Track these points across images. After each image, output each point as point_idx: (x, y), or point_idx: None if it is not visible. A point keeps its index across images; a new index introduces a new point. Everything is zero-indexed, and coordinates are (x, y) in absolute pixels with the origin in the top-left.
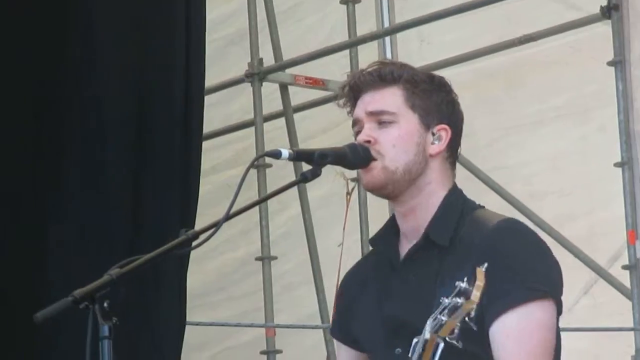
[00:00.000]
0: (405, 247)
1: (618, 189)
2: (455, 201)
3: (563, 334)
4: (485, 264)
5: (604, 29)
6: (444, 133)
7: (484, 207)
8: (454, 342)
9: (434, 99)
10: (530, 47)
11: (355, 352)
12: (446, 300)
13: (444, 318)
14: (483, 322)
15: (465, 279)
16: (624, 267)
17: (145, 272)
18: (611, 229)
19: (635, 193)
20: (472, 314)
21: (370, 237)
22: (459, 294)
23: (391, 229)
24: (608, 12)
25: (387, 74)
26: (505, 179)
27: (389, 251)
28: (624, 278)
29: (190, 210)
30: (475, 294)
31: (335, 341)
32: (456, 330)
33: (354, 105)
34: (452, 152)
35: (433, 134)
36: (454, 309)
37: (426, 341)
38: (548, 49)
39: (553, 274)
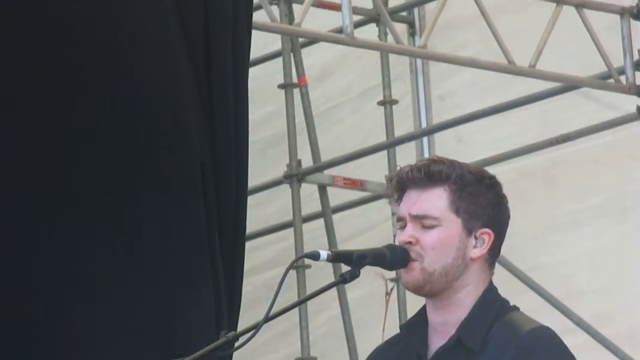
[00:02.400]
0: (433, 340)
1: None
2: (491, 302)
3: None
4: None
5: None
6: (486, 237)
7: (518, 308)
8: None
9: (480, 202)
10: (567, 147)
11: None
12: None
13: None
14: None
15: None
16: None
17: None
18: None
19: None
20: None
21: (402, 324)
22: None
23: (422, 318)
24: None
25: (435, 174)
26: (544, 278)
27: (419, 344)
28: None
29: (234, 313)
30: None
31: None
32: None
33: (400, 198)
34: (494, 254)
35: (476, 238)
36: None
37: None
38: (585, 148)
39: None
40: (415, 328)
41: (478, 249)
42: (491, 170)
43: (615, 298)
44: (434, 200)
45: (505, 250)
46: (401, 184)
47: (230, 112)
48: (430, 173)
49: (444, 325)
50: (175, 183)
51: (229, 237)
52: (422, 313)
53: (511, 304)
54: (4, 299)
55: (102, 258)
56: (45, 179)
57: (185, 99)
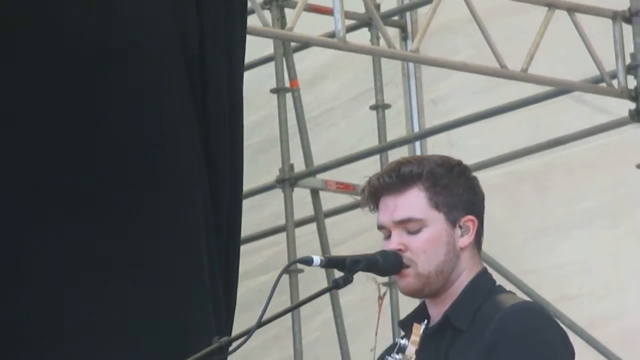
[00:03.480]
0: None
1: None
2: (482, 285)
3: None
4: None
5: (634, 132)
6: (470, 224)
7: (513, 293)
8: None
9: (456, 192)
10: (559, 151)
11: None
12: (393, 356)
13: None
14: None
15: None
16: None
17: None
18: None
19: None
20: None
21: (399, 320)
22: (397, 351)
23: (421, 312)
24: (637, 115)
25: (406, 175)
26: (537, 282)
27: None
28: None
29: (229, 317)
30: (410, 349)
31: None
32: None
33: (376, 207)
34: (479, 237)
35: (460, 227)
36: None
37: None
38: (577, 153)
39: (564, 356)
40: (412, 322)
41: (466, 238)
42: (483, 174)
43: (608, 302)
44: (413, 202)
45: (497, 254)
46: (374, 192)
47: (225, 117)
48: (401, 175)
49: (440, 315)
50: (172, 188)
51: (224, 242)
52: (420, 309)
53: None
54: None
55: (101, 260)
56: (45, 178)
57: (180, 105)
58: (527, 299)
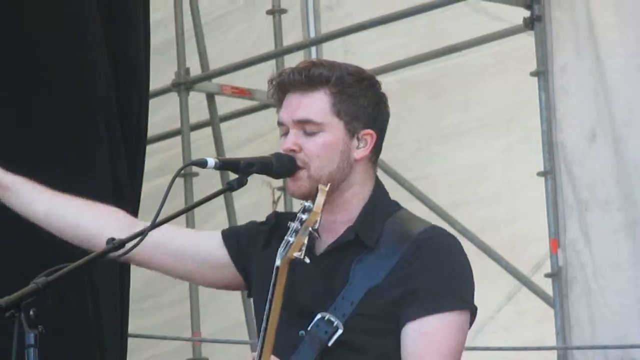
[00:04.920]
0: (323, 239)
1: (541, 198)
2: (382, 201)
3: (489, 338)
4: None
5: (528, 40)
6: (369, 138)
7: (401, 206)
8: (301, 257)
9: (361, 103)
10: (454, 58)
11: (219, 255)
12: (292, 224)
13: (291, 239)
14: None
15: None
16: (547, 275)
17: (82, 280)
18: (534, 237)
19: (557, 202)
20: (317, 225)
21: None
22: (302, 212)
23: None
24: (531, 23)
25: (315, 77)
26: (429, 188)
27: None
28: (547, 286)
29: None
30: (318, 206)
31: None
32: (303, 247)
33: (280, 101)
34: (376, 153)
35: (358, 139)
36: (299, 225)
37: (277, 268)
38: (472, 60)
39: (472, 287)
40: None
41: (361, 150)
42: (379, 80)
43: (499, 208)
44: (316, 104)
45: (391, 160)
46: (282, 86)
47: (138, 20)
48: (310, 76)
49: (334, 223)
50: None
51: (133, 146)
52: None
53: None
54: None
55: None
56: None
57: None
58: (419, 205)
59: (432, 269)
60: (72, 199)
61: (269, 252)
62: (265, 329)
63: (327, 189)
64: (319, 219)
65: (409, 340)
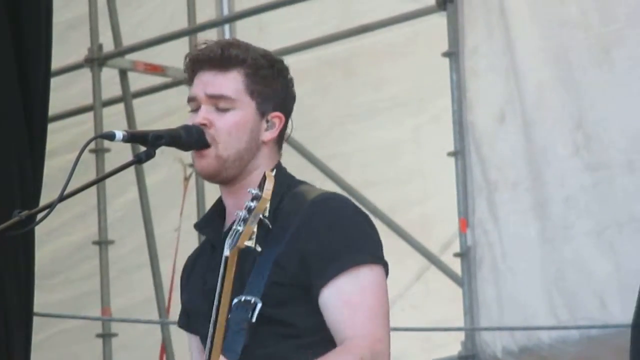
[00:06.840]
0: (228, 224)
1: (451, 178)
2: (281, 180)
3: (398, 317)
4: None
5: (440, 20)
6: (277, 120)
7: (306, 182)
8: (253, 246)
9: (273, 86)
10: (367, 37)
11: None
12: (240, 212)
13: (240, 228)
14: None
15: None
16: (456, 255)
17: None
18: (444, 217)
19: (467, 182)
20: (266, 212)
21: (195, 223)
22: (251, 200)
23: (217, 209)
24: (444, 4)
25: (231, 57)
26: (342, 167)
27: (213, 233)
28: (456, 265)
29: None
30: (267, 192)
31: (185, 333)
32: (254, 236)
33: (193, 77)
34: (282, 136)
35: (267, 121)
36: (247, 214)
37: (226, 258)
38: (385, 39)
39: (376, 243)
40: (209, 221)
41: (269, 132)
42: (292, 59)
43: (410, 188)
44: (230, 82)
45: (303, 138)
46: (196, 63)
47: None
48: (226, 56)
49: (240, 207)
50: None
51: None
52: (217, 204)
53: None
54: None
55: None
56: None
57: None
58: (331, 184)
59: (328, 229)
60: None
61: (195, 277)
62: (215, 321)
63: (273, 174)
64: (268, 205)
65: (331, 310)
